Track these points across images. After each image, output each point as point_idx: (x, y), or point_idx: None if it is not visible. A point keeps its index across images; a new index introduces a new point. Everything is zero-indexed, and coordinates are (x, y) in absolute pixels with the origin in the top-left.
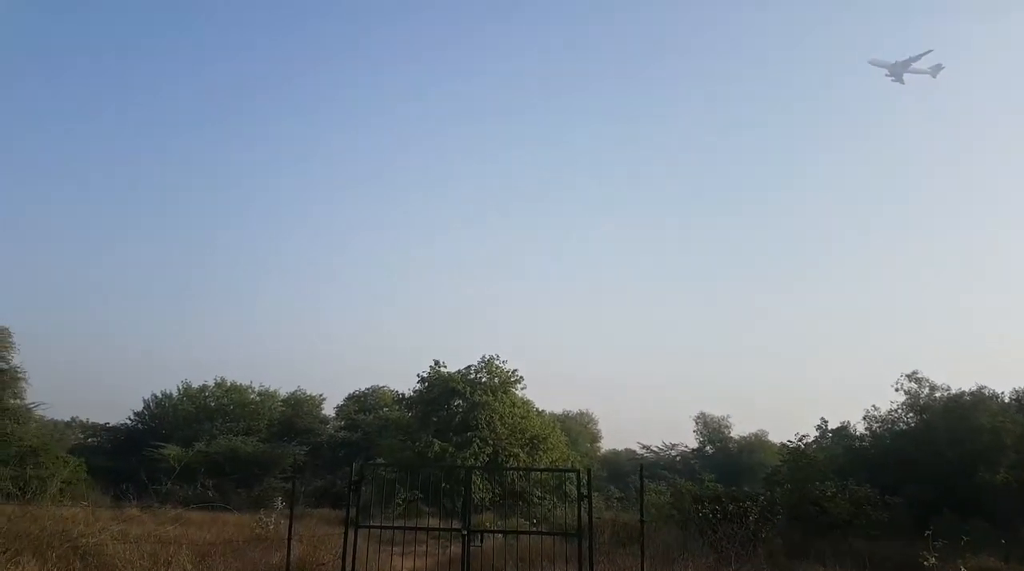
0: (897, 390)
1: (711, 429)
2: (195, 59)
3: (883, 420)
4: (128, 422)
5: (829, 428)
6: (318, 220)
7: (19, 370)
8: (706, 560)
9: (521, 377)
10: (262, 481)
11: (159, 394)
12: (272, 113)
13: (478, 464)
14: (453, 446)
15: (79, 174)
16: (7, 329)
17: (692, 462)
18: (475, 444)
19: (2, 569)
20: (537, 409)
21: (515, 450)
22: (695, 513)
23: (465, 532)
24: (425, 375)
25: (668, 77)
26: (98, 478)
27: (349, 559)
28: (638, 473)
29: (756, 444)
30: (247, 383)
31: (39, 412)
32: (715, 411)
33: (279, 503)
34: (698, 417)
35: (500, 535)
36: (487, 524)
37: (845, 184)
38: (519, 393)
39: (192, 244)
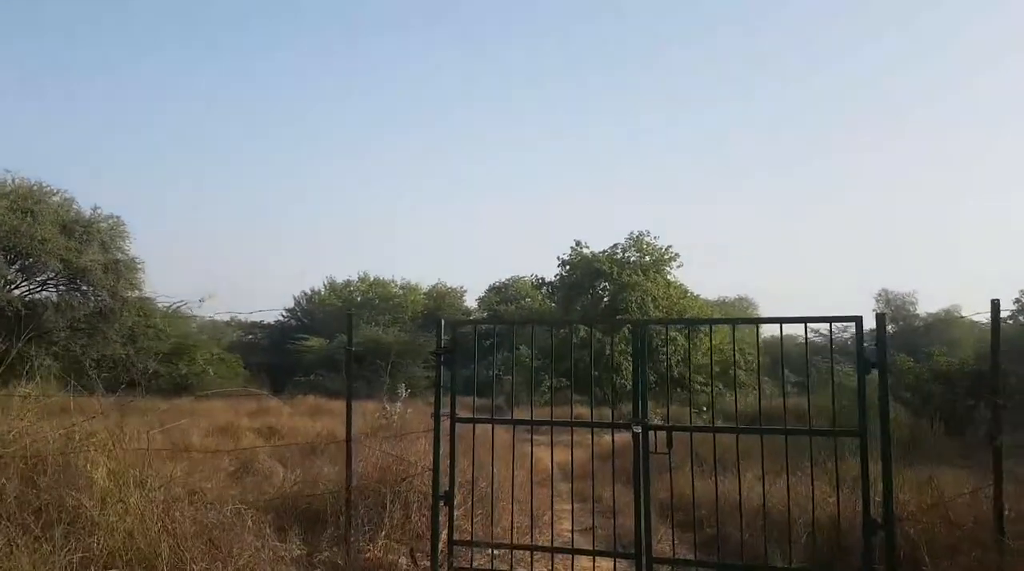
0: None
1: (895, 307)
2: None
3: None
4: (282, 318)
5: None
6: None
7: (138, 261)
8: None
9: (676, 254)
10: (405, 370)
11: (308, 291)
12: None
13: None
14: (600, 332)
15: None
16: (119, 218)
17: (868, 345)
18: (625, 329)
19: None
20: (692, 293)
21: (672, 335)
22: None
23: (638, 429)
24: (566, 257)
25: None
26: (258, 373)
27: (446, 462)
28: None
29: (946, 321)
30: (389, 277)
31: (193, 311)
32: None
33: (403, 391)
34: (879, 294)
35: (693, 433)
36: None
37: None
38: (672, 275)
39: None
